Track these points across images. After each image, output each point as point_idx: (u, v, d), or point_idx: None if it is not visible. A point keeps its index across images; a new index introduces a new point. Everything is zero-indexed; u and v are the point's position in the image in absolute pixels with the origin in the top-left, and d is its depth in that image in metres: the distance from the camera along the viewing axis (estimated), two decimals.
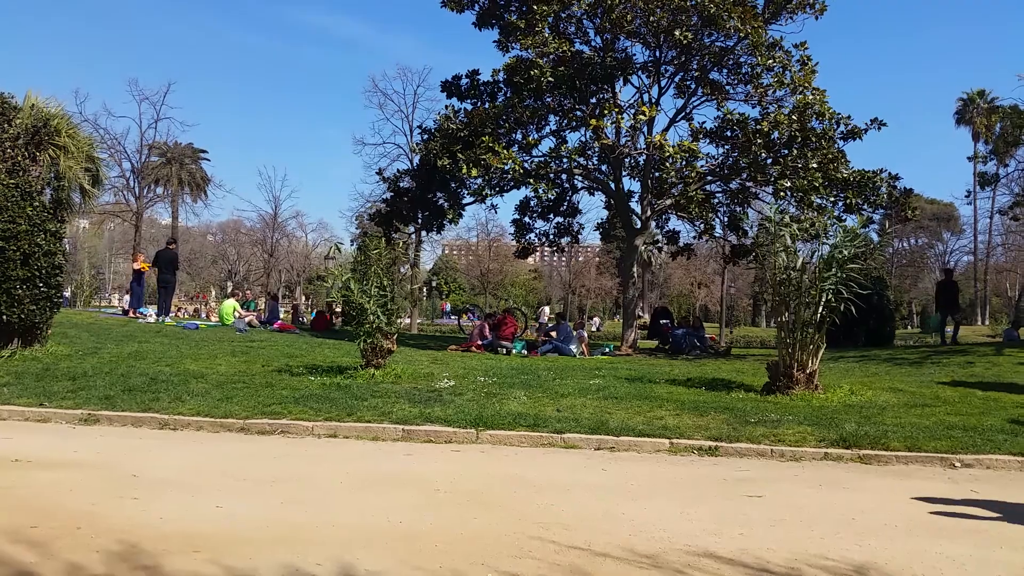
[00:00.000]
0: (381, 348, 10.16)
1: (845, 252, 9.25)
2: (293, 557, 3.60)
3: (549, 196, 19.46)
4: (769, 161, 17.25)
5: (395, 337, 10.50)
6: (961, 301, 29.33)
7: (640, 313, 29.20)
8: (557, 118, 19.42)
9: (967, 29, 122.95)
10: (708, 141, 18.67)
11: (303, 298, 63.65)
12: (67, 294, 35.89)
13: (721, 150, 18.78)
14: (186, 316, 26.27)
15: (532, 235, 22.06)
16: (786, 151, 16.93)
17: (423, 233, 33.04)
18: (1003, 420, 7.74)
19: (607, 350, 17.49)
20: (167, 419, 7.32)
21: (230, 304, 19.58)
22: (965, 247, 66.70)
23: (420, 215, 20.65)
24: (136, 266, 19.82)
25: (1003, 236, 60.07)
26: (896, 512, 4.79)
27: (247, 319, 18.55)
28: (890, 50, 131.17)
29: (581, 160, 18.20)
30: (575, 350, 15.93)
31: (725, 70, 18.53)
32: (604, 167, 19.41)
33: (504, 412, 7.76)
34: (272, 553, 3.66)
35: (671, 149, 16.61)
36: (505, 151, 16.49)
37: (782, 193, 16.42)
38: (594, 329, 43.04)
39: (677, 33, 16.50)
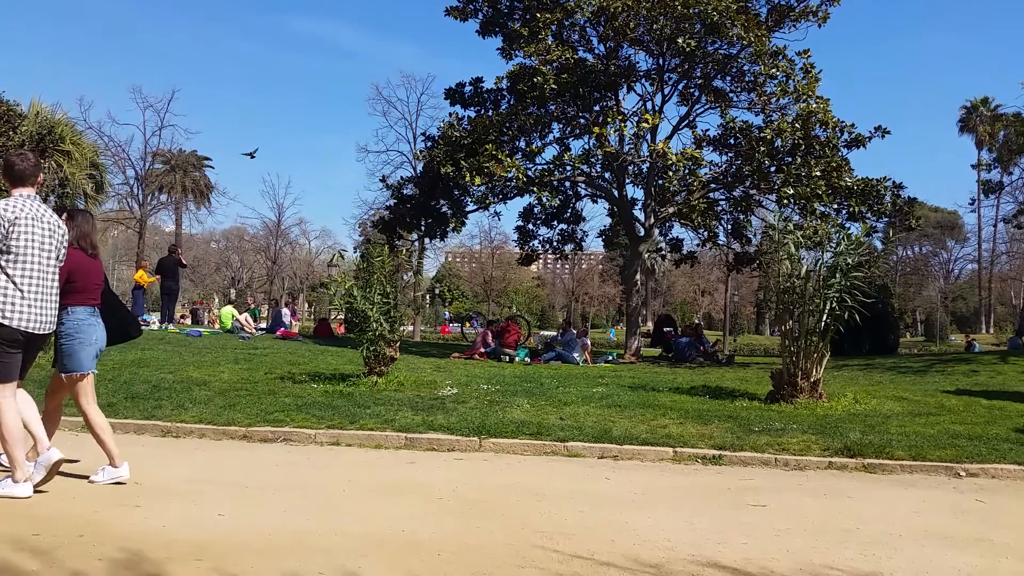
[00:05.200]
0: (384, 356, 10.15)
1: (849, 260, 9.23)
2: (296, 565, 3.59)
3: (552, 204, 19.46)
4: (772, 169, 17.25)
5: (398, 344, 10.49)
6: None
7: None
8: (560, 126, 19.46)
9: (970, 37, 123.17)
10: (711, 149, 18.68)
11: (305, 305, 63.65)
12: None
13: (724, 158, 18.80)
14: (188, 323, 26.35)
15: (535, 242, 22.07)
16: (790, 159, 16.93)
17: (426, 240, 33.03)
18: (1008, 429, 7.70)
19: (610, 358, 17.47)
20: (169, 426, 7.31)
21: (228, 310, 19.69)
22: (969, 255, 66.77)
23: (423, 222, 20.65)
24: (138, 275, 19.87)
25: (1007, 244, 60.03)
26: (901, 522, 4.76)
27: (241, 323, 18.67)
28: (893, 57, 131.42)
29: (584, 168, 18.20)
30: (578, 358, 15.91)
31: (728, 78, 18.55)
32: (607, 175, 19.42)
33: (507, 420, 7.74)
34: (275, 561, 3.65)
35: (674, 157, 16.61)
36: (508, 159, 16.49)
37: (785, 201, 16.41)
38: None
39: (680, 41, 16.52)
